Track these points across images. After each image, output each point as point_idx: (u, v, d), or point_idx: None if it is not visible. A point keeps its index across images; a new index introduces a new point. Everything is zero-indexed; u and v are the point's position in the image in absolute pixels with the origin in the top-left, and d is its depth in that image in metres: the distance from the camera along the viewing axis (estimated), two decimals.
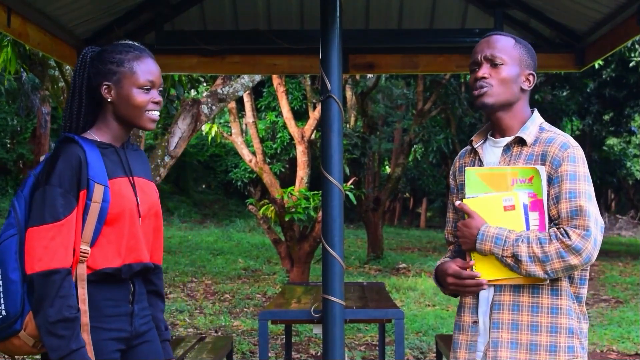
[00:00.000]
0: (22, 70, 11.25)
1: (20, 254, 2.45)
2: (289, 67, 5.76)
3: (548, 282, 2.44)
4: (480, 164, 2.61)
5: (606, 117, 22.41)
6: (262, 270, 13.95)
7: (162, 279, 2.82)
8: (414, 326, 9.00)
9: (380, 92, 19.04)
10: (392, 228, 26.33)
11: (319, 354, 7.32)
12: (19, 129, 20.48)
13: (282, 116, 14.69)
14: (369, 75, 15.68)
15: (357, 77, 15.82)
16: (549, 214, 2.45)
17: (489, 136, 2.65)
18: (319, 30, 4.11)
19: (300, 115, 18.09)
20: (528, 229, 2.44)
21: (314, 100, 14.25)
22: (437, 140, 19.25)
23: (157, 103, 2.62)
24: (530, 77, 2.58)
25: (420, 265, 15.58)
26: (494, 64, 2.54)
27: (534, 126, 2.56)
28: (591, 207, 2.39)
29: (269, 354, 5.31)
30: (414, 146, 20.21)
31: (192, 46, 5.32)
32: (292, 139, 16.00)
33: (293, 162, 17.80)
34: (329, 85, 4.02)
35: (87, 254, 2.48)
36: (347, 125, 17.31)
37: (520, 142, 2.54)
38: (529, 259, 2.37)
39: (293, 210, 10.59)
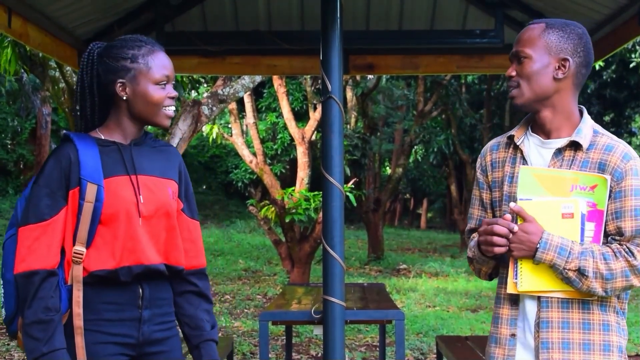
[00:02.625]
0: (22, 71, 11.27)
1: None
2: (290, 68, 5.77)
3: (598, 296, 2.30)
4: (524, 163, 2.40)
5: (607, 118, 22.43)
6: (263, 271, 13.98)
7: (204, 279, 2.70)
8: (414, 327, 9.02)
9: (381, 93, 19.04)
10: (393, 229, 26.36)
11: (319, 354, 7.32)
12: (19, 129, 20.49)
13: (283, 117, 14.70)
14: (370, 76, 15.68)
15: (358, 78, 15.84)
16: (604, 228, 2.31)
17: (532, 133, 2.43)
18: (319, 31, 4.11)
19: (300, 116, 18.10)
20: (582, 240, 2.29)
21: (314, 101, 14.27)
22: (438, 141, 19.29)
23: (172, 98, 2.53)
24: (566, 63, 2.32)
25: (421, 266, 15.59)
26: (519, 61, 2.36)
27: (587, 128, 2.36)
28: None
29: (270, 355, 5.32)
30: (415, 147, 20.27)
31: (193, 47, 5.33)
32: (292, 139, 16.02)
33: (293, 163, 17.81)
34: (329, 86, 4.02)
35: (82, 254, 2.41)
36: (348, 126, 17.33)
37: (574, 145, 2.34)
38: (593, 275, 2.23)
39: (293, 211, 10.60)
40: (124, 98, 2.49)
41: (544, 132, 2.40)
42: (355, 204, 11.68)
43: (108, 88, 2.51)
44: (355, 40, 5.18)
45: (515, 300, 2.38)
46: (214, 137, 13.61)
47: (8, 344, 7.44)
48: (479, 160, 2.59)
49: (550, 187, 2.31)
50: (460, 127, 20.10)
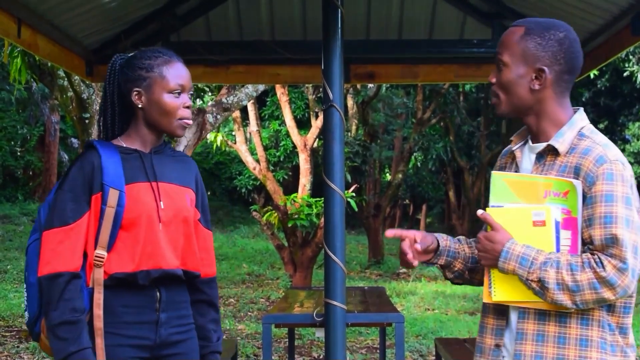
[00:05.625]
0: (32, 80, 11.37)
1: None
2: (292, 77, 5.79)
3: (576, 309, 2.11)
4: (517, 169, 2.27)
5: (601, 126, 22.50)
6: (266, 275, 14.06)
7: (215, 288, 2.74)
8: (414, 330, 9.07)
9: (381, 101, 19.13)
10: None
11: (321, 357, 7.38)
12: (28, 137, 20.57)
13: (285, 125, 14.78)
14: (370, 85, 15.78)
15: (358, 86, 15.93)
16: (581, 236, 2.11)
17: (528, 138, 2.29)
18: (321, 41, 4.15)
19: (302, 124, 18.18)
20: (558, 249, 2.10)
21: (316, 109, 14.35)
22: (436, 148, 19.38)
23: (188, 107, 2.57)
24: (542, 74, 2.16)
25: (420, 270, 15.64)
26: (498, 67, 2.25)
27: (572, 132, 2.17)
28: (629, 234, 2.04)
29: (273, 357, 5.39)
30: (414, 154, 20.33)
31: (198, 56, 5.32)
32: (295, 147, 16.09)
33: (296, 169, 17.88)
34: (330, 95, 4.04)
35: (103, 258, 2.45)
36: (349, 134, 17.41)
37: (553, 150, 2.17)
38: (557, 287, 2.05)
39: (296, 216, 10.68)
40: (140, 106, 2.55)
41: (533, 136, 2.26)
42: (356, 210, 11.78)
43: (126, 97, 2.57)
44: (355, 49, 5.17)
45: (502, 310, 2.25)
46: (218, 145, 13.68)
47: (17, 347, 7.50)
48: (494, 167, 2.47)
49: (521, 194, 2.17)
50: (458, 135, 20.20)
